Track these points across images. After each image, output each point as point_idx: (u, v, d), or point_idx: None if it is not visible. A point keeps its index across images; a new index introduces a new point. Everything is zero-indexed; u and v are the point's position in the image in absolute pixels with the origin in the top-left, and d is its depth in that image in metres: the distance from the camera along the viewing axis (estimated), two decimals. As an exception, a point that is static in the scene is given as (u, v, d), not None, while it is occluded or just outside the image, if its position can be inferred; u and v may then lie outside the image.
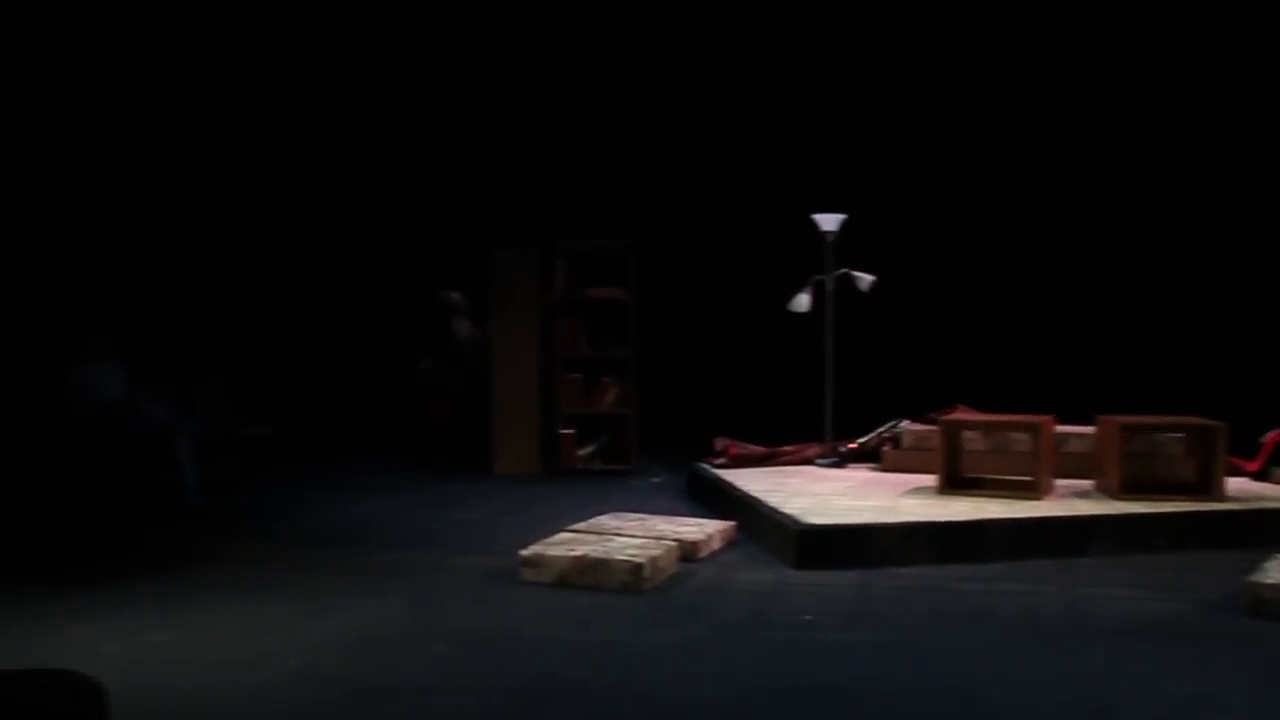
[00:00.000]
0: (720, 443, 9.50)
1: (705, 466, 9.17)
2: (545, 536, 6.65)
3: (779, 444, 9.57)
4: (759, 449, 9.49)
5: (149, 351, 9.23)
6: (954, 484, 7.70)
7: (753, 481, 8.26)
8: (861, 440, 9.29)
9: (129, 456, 8.02)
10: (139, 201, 9.78)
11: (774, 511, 7.03)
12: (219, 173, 10.68)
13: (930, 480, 7.87)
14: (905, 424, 9.05)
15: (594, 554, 6.06)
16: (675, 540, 6.56)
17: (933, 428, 8.41)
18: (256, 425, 10.09)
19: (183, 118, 10.19)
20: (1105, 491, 7.58)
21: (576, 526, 6.98)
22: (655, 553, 6.13)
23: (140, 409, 8.33)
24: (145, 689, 4.32)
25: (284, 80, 11.33)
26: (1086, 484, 7.91)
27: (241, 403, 10.28)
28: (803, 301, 9.29)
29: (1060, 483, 7.91)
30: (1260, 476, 8.13)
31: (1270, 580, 5.38)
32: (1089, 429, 8.15)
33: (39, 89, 8.84)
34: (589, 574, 5.97)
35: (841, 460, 9.17)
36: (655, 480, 9.95)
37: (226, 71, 10.60)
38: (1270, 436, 8.23)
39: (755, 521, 7.24)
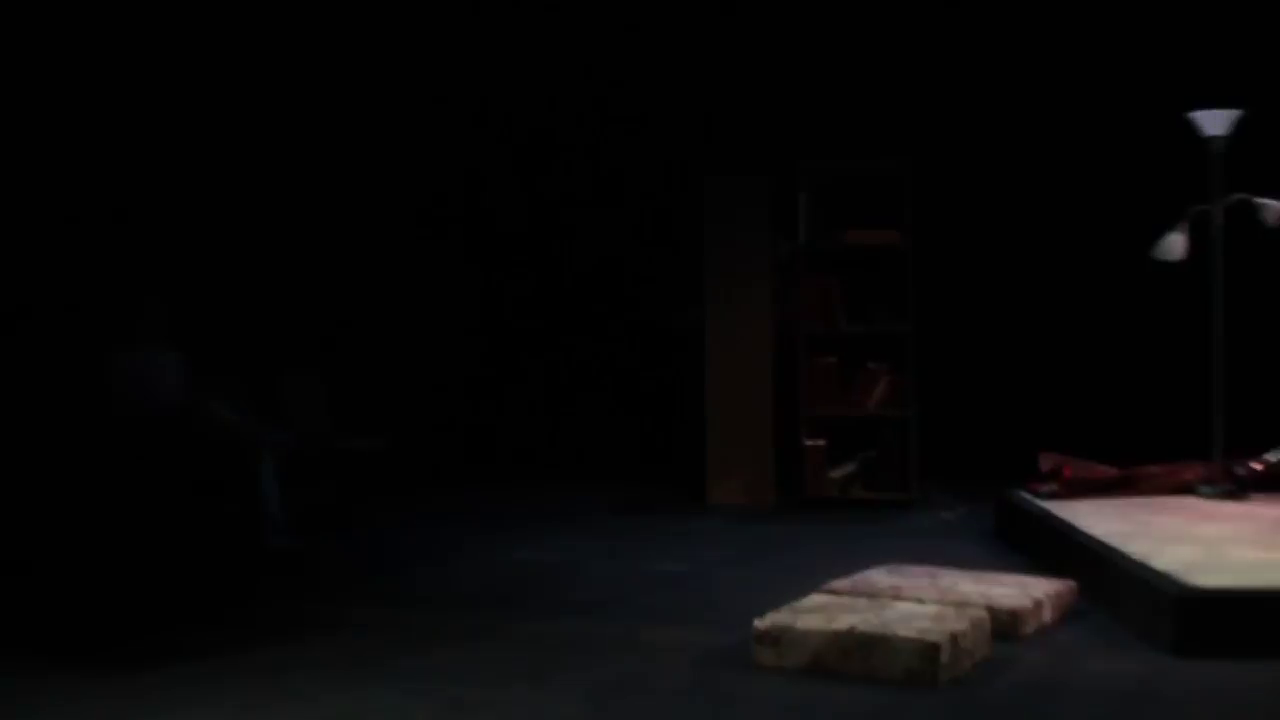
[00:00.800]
0: (1048, 460, 9.28)
1: (1025, 496, 9.00)
2: (788, 599, 6.50)
3: (1138, 462, 9.32)
4: (1107, 470, 9.28)
5: (220, 334, 9.44)
6: None
7: (1101, 519, 8.02)
8: (1273, 457, 8.90)
9: (191, 479, 8.20)
10: (215, 115, 10.09)
11: (1138, 566, 6.76)
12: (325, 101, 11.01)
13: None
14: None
15: (864, 627, 5.89)
16: (985, 608, 6.36)
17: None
18: (367, 436, 10.22)
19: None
20: None
21: (835, 585, 6.84)
22: (957, 626, 5.93)
23: (208, 413, 8.51)
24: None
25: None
26: None
27: (347, 405, 10.45)
28: (1175, 245, 9.02)
29: None
30: None
31: None
32: None
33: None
34: (858, 657, 5.80)
35: (1240, 488, 8.83)
36: (948, 516, 9.86)
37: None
38: None
39: (1107, 581, 7.00)
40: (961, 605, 6.37)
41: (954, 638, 5.80)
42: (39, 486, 7.85)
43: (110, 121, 9.45)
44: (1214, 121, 8.89)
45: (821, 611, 6.20)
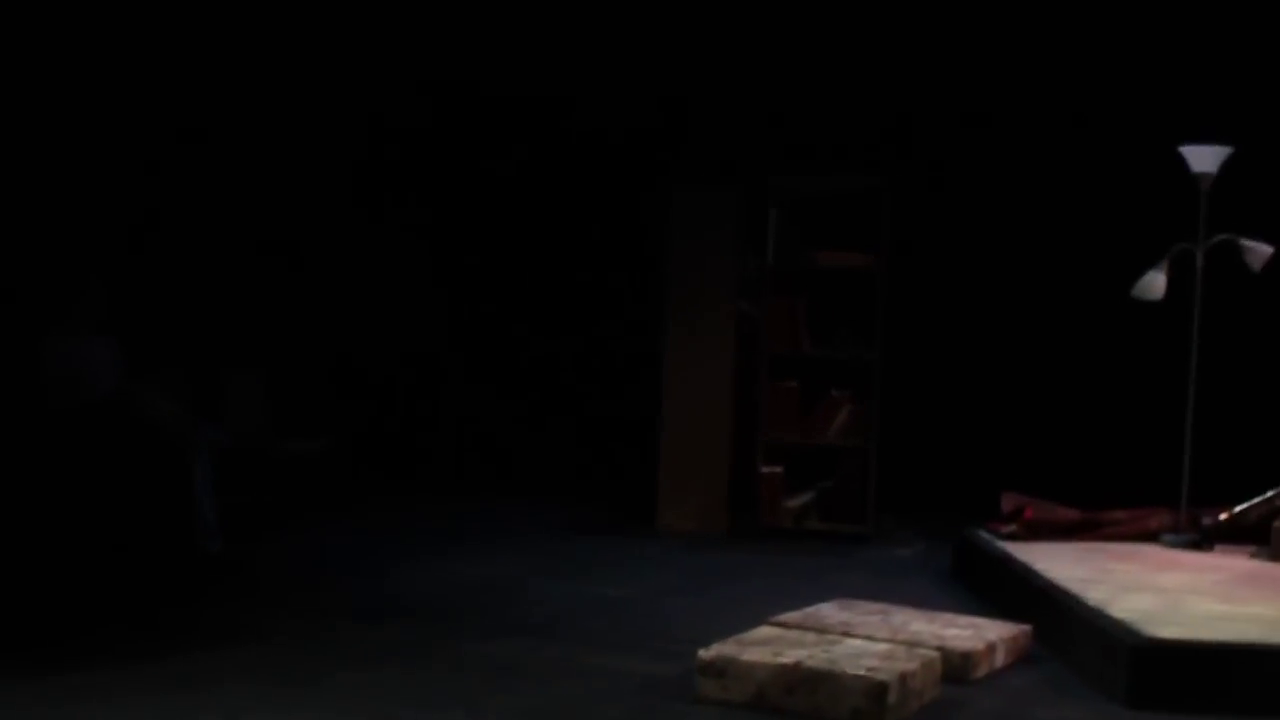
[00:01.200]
0: (1010, 500, 9.34)
1: (985, 536, 9.05)
2: (736, 631, 6.56)
3: (1102, 507, 9.40)
4: (1070, 513, 9.34)
5: (158, 323, 9.45)
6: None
7: (1061, 564, 8.08)
8: (1239, 509, 9.02)
9: (123, 476, 8.21)
10: (164, 97, 10.09)
11: (1095, 614, 6.82)
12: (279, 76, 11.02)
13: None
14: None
15: (811, 663, 5.93)
16: (937, 649, 6.42)
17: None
18: (307, 438, 10.25)
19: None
20: None
21: (784, 618, 6.89)
22: (907, 666, 5.98)
23: (144, 404, 8.52)
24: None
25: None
26: None
27: (289, 405, 10.47)
28: (1156, 284, 9.10)
29: None
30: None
31: None
32: None
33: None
34: (803, 693, 5.84)
35: (1204, 538, 8.92)
36: (904, 552, 9.90)
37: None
38: None
39: (1064, 627, 7.05)
40: (913, 645, 6.41)
41: (903, 678, 5.84)
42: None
43: (54, 103, 9.46)
44: (1203, 158, 8.93)
45: (769, 645, 6.23)
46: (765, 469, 10.34)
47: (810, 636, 6.50)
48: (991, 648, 6.69)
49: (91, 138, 9.62)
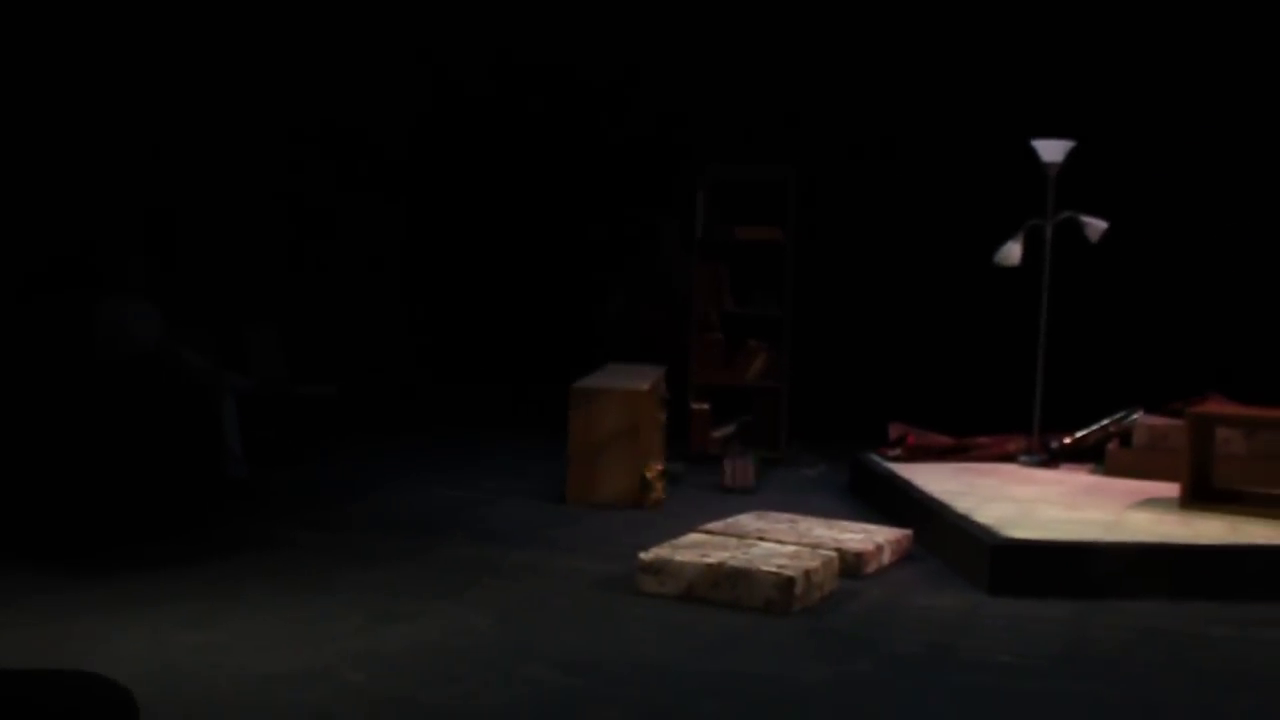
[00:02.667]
0: (896, 429, 9.42)
1: (875, 458, 9.10)
2: (670, 537, 6.64)
3: (970, 434, 9.48)
4: (944, 439, 9.42)
5: (188, 285, 9.41)
6: (1202, 496, 7.45)
7: (936, 480, 8.17)
8: (1080, 434, 9.11)
9: (162, 416, 8.18)
10: (183, 99, 9.96)
11: (963, 519, 6.93)
12: (278, 68, 10.84)
13: (1169, 490, 7.65)
14: (1139, 415, 8.83)
15: (733, 562, 6.01)
16: (835, 550, 6.50)
17: (1176, 422, 8.16)
18: (319, 384, 10.22)
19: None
20: None
21: (710, 527, 6.97)
22: (810, 564, 6.07)
23: (179, 358, 8.48)
24: (172, 700, 4.39)
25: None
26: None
27: (302, 355, 10.43)
28: (1013, 253, 9.14)
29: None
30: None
31: None
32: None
33: None
34: (725, 587, 5.93)
35: (1052, 458, 9.01)
36: (809, 472, 9.92)
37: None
38: None
39: (938, 531, 7.15)
40: (815, 547, 6.51)
41: (807, 574, 5.94)
42: (31, 418, 7.81)
43: (102, 110, 9.38)
44: (1051, 150, 9.01)
45: (697, 548, 6.32)
46: (695, 405, 10.37)
47: (731, 541, 6.59)
48: (879, 548, 6.80)
49: (131, 140, 9.54)
